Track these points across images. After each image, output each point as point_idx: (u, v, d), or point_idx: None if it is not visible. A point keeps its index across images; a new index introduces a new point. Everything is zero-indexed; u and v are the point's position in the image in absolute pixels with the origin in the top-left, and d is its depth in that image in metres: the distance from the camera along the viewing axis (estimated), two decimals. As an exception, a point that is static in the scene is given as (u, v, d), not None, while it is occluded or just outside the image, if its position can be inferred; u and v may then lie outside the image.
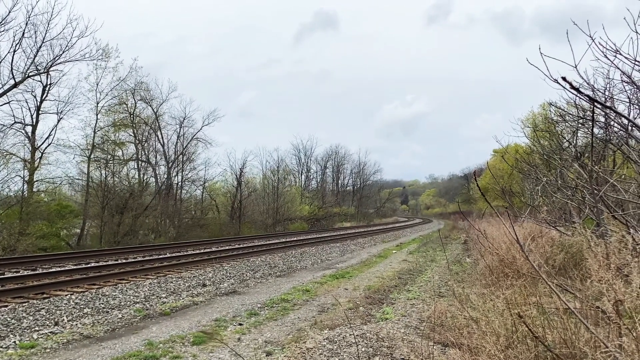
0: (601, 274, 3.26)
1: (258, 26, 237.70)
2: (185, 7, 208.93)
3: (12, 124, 23.46)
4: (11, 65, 22.26)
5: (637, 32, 4.46)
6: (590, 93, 5.66)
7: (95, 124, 28.09)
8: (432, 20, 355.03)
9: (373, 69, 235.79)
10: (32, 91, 24.14)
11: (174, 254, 16.85)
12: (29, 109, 24.34)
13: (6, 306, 7.77)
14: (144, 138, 33.72)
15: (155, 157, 35.11)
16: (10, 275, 11.10)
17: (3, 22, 21.30)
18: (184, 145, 36.55)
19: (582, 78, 5.40)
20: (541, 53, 3.78)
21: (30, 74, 23.31)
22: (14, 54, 22.27)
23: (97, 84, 27.99)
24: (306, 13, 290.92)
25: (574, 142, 10.92)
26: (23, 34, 22.36)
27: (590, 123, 6.05)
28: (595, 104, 4.27)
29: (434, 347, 4.80)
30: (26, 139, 24.26)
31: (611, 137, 7.42)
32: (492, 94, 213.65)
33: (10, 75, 22.37)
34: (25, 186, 23.76)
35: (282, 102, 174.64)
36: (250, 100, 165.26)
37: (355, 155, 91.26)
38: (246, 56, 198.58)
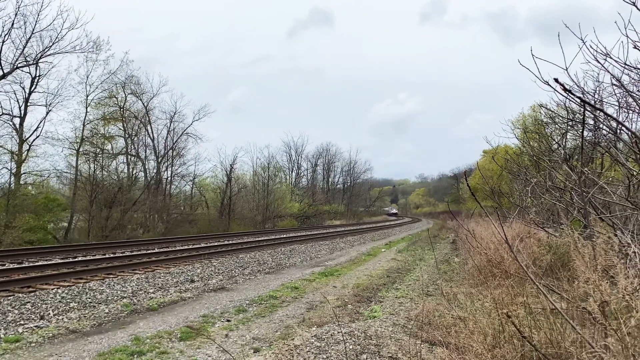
0: (588, 275, 3.29)
1: (251, 22, 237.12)
2: (178, 2, 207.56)
3: (0, 115, 23.18)
4: (-1, 55, 21.99)
5: (627, 37, 4.50)
6: (580, 96, 5.70)
7: (85, 117, 27.89)
8: (426, 17, 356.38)
9: (366, 67, 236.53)
10: (20, 82, 23.92)
11: (162, 250, 16.76)
12: (17, 101, 24.13)
13: (-9, 299, 7.68)
14: (133, 132, 33.53)
15: (145, 152, 34.97)
16: (-5, 268, 10.97)
17: (-8, 11, 21.04)
18: (174, 140, 36.42)
19: (573, 81, 5.44)
20: (532, 55, 3.80)
21: (19, 65, 23.08)
22: (2, 45, 22.05)
23: (87, 77, 27.82)
24: (301, 10, 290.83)
25: (563, 144, 11.01)
26: (12, 24, 22.15)
27: (580, 125, 6.10)
28: (586, 105, 4.30)
29: (422, 345, 4.82)
30: (14, 130, 24.00)
31: (600, 140, 7.50)
32: (484, 94, 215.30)
33: (-1, 66, 22.11)
34: (12, 178, 23.52)
35: (273, 99, 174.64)
36: (241, 96, 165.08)
37: (346, 154, 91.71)
38: (238, 52, 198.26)
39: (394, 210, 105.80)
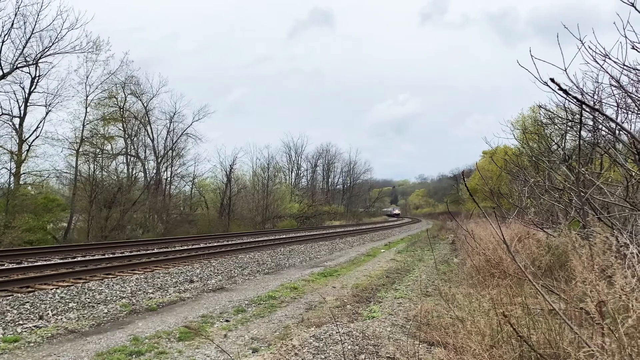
0: (585, 275, 3.29)
1: (251, 22, 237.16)
2: (178, 2, 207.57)
3: (0, 115, 23.18)
4: (-1, 56, 22.00)
5: (626, 37, 4.50)
6: (579, 96, 5.71)
7: (85, 117, 27.87)
8: (427, 18, 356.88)
9: (366, 67, 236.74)
10: (20, 82, 23.91)
11: (161, 250, 16.76)
12: (17, 101, 24.11)
13: (-10, 299, 7.68)
14: (133, 132, 33.54)
15: (145, 152, 34.99)
16: (-6, 268, 10.96)
17: (-9, 11, 21.05)
18: (174, 141, 36.44)
19: (572, 81, 5.44)
20: (532, 55, 3.80)
21: (19, 65, 23.07)
22: (2, 45, 22.06)
23: (87, 77, 27.79)
24: (301, 10, 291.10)
25: (563, 144, 11.03)
26: (12, 24, 22.16)
27: (579, 126, 6.10)
28: (584, 106, 4.31)
29: (420, 345, 4.82)
30: (13, 130, 23.99)
31: (599, 141, 7.51)
32: (484, 95, 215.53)
33: (-2, 66, 22.12)
34: (12, 178, 23.50)
35: (273, 99, 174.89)
36: (241, 96, 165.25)
37: (346, 154, 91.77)
38: (238, 52, 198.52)
39: (396, 211, 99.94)
